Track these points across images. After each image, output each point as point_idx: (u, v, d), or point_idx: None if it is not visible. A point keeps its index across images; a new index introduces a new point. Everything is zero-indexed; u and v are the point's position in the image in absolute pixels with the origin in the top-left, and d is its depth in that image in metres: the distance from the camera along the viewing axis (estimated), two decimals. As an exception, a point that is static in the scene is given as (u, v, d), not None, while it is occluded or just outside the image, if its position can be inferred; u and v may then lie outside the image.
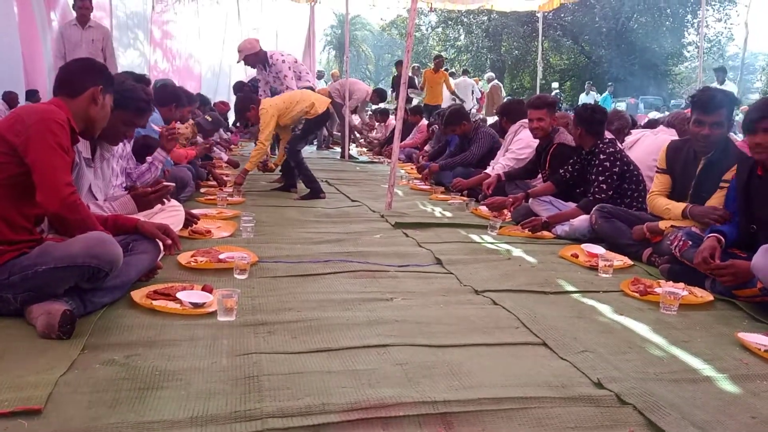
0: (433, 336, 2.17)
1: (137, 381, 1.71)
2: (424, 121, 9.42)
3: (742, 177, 2.85)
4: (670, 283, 2.81)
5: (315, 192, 5.29)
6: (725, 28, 28.22)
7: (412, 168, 7.66)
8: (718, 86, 10.72)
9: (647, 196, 3.65)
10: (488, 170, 5.41)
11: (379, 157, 9.43)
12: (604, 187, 3.86)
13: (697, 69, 9.82)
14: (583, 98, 17.88)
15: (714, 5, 26.61)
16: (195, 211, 3.69)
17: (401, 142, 6.18)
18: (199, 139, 6.06)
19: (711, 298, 2.70)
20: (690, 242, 2.89)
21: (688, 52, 28.76)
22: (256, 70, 6.43)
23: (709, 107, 3.15)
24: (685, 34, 27.69)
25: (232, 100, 12.69)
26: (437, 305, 2.54)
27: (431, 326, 2.28)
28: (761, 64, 32.64)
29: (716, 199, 3.10)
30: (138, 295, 2.35)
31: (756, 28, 41.22)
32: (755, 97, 26.88)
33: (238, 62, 6.33)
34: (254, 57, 6.08)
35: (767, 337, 2.21)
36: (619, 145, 4.07)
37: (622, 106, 18.79)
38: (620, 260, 3.29)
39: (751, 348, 2.14)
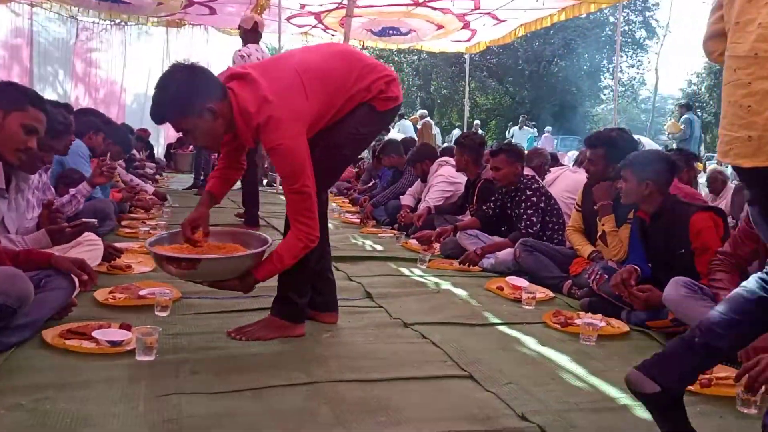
0: (362, 371, 2.16)
1: (46, 427, 1.60)
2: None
3: (638, 220, 3.04)
4: (589, 314, 2.93)
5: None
6: (638, 73, 30.41)
7: (343, 201, 7.68)
8: (677, 120, 11.17)
9: (566, 231, 3.85)
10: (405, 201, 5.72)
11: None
12: (534, 220, 3.99)
13: (613, 111, 10.42)
14: (516, 133, 16.04)
15: (627, 52, 28.57)
16: (117, 245, 3.54)
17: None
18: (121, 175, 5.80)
19: (627, 329, 2.82)
20: (606, 275, 3.02)
21: (605, 95, 30.64)
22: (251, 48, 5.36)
23: (589, 144, 3.59)
24: (602, 78, 29.51)
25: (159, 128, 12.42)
26: (366, 340, 2.53)
27: (360, 361, 2.26)
28: (670, 107, 35.14)
29: (623, 232, 3.28)
30: (50, 334, 2.21)
31: (665, 74, 44.85)
32: (664, 138, 28.76)
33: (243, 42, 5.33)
34: (252, 34, 5.43)
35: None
36: (540, 181, 4.25)
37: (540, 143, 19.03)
38: (542, 292, 3.40)
39: (663, 376, 2.25)
